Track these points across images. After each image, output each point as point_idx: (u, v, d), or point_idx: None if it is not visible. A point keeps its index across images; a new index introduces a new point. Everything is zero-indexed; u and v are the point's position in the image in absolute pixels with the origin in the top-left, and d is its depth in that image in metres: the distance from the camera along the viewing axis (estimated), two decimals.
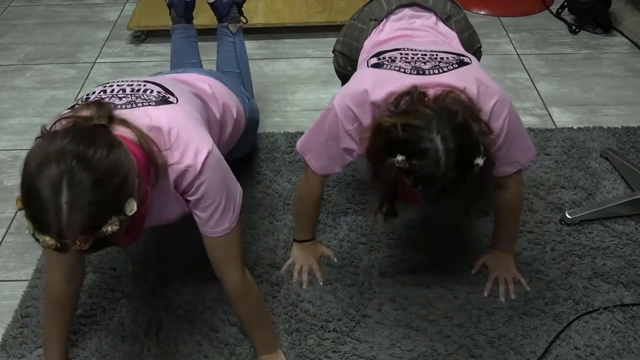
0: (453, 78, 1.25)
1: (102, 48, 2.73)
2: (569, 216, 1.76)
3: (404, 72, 1.27)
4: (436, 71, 1.26)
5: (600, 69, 2.53)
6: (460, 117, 1.14)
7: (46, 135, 1.01)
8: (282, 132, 2.15)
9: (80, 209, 0.93)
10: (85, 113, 1.08)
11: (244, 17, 2.03)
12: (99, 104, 1.12)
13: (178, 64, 1.93)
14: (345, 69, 1.76)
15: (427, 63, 1.27)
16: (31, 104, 2.37)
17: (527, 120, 2.23)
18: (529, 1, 3.00)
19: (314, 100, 2.36)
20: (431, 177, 1.11)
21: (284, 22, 2.73)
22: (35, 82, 2.50)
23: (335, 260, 1.67)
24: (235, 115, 1.57)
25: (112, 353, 1.46)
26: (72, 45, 2.75)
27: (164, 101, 1.24)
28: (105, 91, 1.26)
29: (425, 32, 1.53)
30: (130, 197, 0.99)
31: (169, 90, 1.29)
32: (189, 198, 1.22)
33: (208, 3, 1.97)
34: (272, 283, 1.61)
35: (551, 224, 1.77)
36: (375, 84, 1.29)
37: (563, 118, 2.24)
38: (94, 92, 1.27)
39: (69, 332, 1.42)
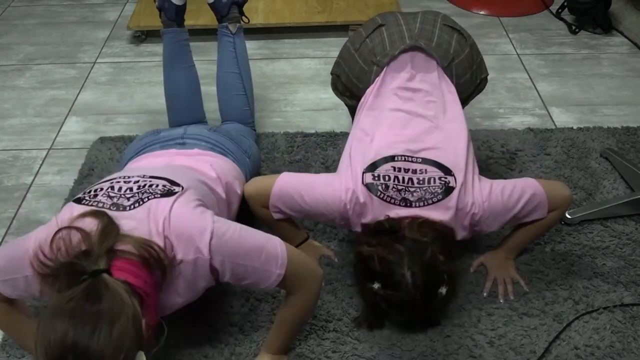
0: (434, 212, 1.39)
1: (102, 48, 2.73)
2: (569, 216, 1.77)
3: (393, 203, 1.40)
4: (421, 204, 1.39)
5: (600, 69, 2.53)
6: (429, 252, 1.32)
7: (45, 315, 1.00)
8: (282, 132, 2.16)
9: None
10: (88, 225, 1.10)
11: (246, 16, 2.01)
12: (105, 224, 1.12)
13: (170, 68, 1.90)
14: (343, 94, 1.76)
15: (414, 193, 1.39)
16: (31, 104, 2.37)
17: (527, 120, 2.23)
18: (529, 1, 3.00)
19: (314, 100, 2.36)
20: (401, 304, 1.34)
21: (284, 22, 2.73)
22: (35, 82, 2.50)
23: (335, 260, 1.68)
24: (239, 192, 1.58)
25: None
26: (72, 45, 2.75)
27: (169, 193, 1.24)
28: (113, 188, 1.26)
29: (424, 95, 1.55)
30: (139, 351, 1.01)
31: (175, 182, 1.30)
32: (224, 280, 1.23)
33: (208, 3, 1.95)
34: None
35: None
36: (368, 206, 1.41)
37: (563, 118, 2.25)
38: (102, 189, 1.26)
39: None
